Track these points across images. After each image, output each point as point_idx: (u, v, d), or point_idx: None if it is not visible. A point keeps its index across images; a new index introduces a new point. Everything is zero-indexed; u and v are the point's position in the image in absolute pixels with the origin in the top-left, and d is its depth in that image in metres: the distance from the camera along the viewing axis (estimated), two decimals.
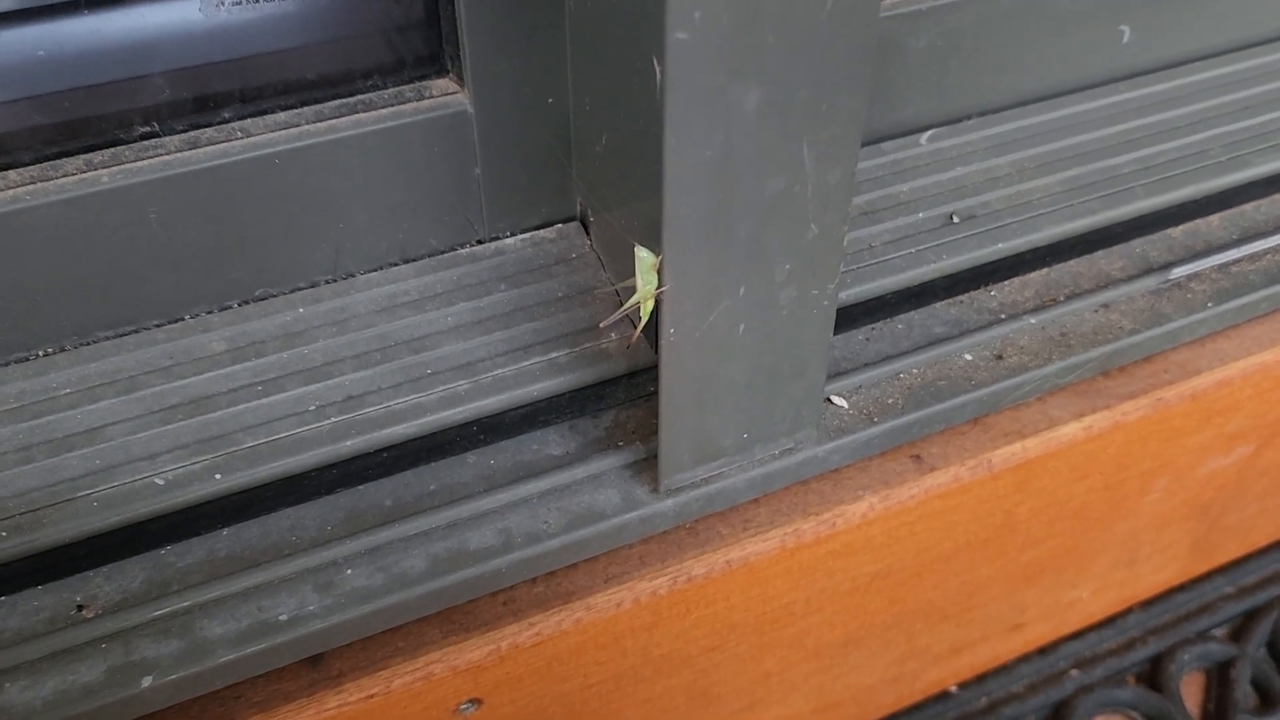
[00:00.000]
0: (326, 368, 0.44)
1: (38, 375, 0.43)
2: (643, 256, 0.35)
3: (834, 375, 0.47)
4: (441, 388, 0.43)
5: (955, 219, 0.53)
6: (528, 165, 0.48)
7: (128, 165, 0.42)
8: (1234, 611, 0.73)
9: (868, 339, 0.49)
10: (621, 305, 0.43)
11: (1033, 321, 0.50)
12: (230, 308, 0.47)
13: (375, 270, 0.49)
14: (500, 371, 0.44)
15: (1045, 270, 0.53)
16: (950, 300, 0.52)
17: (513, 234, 0.51)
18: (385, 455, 0.42)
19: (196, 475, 0.40)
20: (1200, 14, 0.63)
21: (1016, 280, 0.53)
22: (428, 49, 0.46)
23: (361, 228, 0.47)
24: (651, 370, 0.45)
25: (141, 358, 0.44)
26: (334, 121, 0.44)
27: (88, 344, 0.45)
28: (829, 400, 0.46)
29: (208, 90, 0.43)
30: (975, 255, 0.51)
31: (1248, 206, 0.57)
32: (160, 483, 0.40)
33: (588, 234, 0.51)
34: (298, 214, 0.45)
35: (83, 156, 0.42)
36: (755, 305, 0.37)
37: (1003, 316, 0.51)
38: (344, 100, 0.45)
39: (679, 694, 0.51)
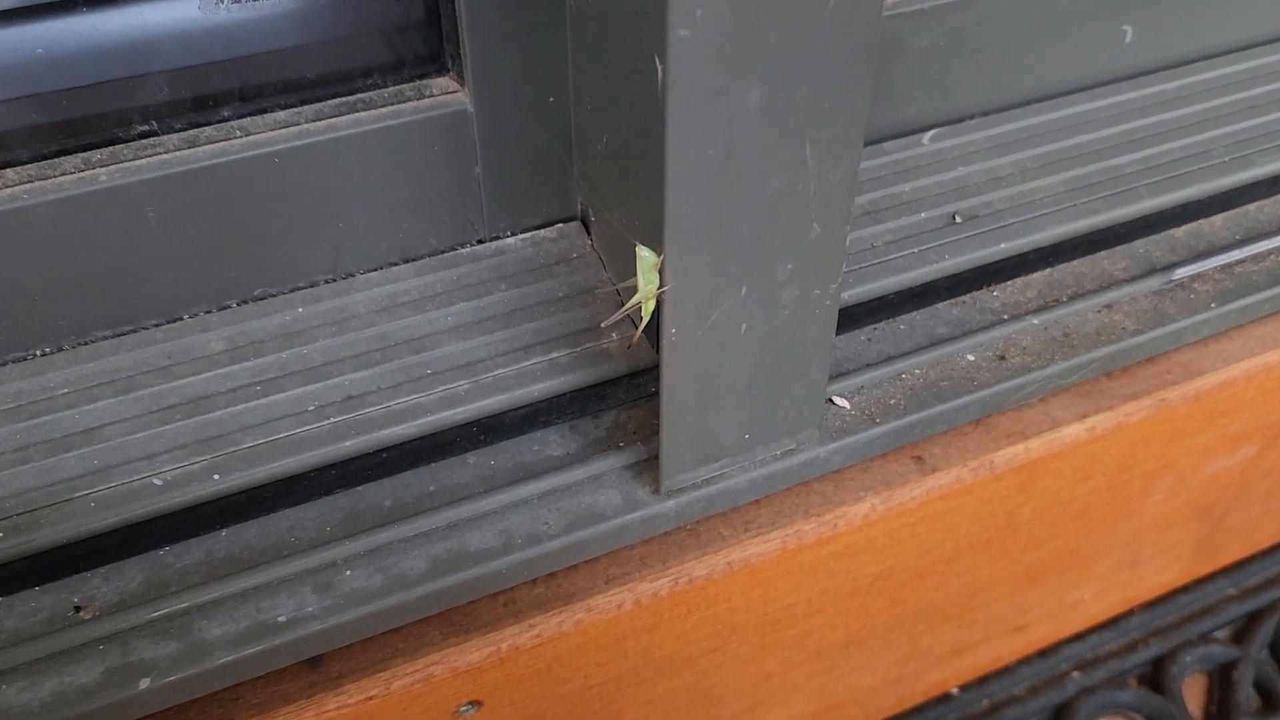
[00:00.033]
0: (326, 368, 0.44)
1: (35, 375, 0.43)
2: (644, 256, 0.35)
3: (836, 375, 0.47)
4: (441, 388, 0.43)
5: (958, 219, 0.53)
6: (528, 164, 0.48)
7: (126, 164, 0.42)
8: (1237, 613, 0.73)
9: (870, 339, 0.49)
10: (622, 305, 0.42)
11: (1035, 322, 0.50)
12: (229, 307, 0.46)
13: (375, 270, 0.48)
14: (500, 372, 0.44)
15: (1048, 270, 0.53)
16: (953, 300, 0.51)
17: (513, 233, 0.50)
18: (385, 456, 0.42)
19: (195, 475, 0.40)
20: (1203, 14, 0.63)
21: (1019, 280, 0.53)
22: (428, 48, 0.46)
23: (361, 227, 0.47)
24: (653, 370, 0.45)
25: (140, 357, 0.44)
26: (334, 120, 0.44)
27: (86, 343, 0.45)
28: (831, 401, 0.46)
29: (207, 89, 0.43)
30: (978, 255, 0.51)
31: (1251, 207, 0.57)
32: (158, 483, 0.39)
33: (589, 233, 0.51)
34: (297, 213, 0.45)
35: (81, 155, 0.42)
36: (757, 305, 0.37)
37: (1005, 317, 0.50)
38: (344, 99, 0.45)
39: (680, 695, 0.51)
